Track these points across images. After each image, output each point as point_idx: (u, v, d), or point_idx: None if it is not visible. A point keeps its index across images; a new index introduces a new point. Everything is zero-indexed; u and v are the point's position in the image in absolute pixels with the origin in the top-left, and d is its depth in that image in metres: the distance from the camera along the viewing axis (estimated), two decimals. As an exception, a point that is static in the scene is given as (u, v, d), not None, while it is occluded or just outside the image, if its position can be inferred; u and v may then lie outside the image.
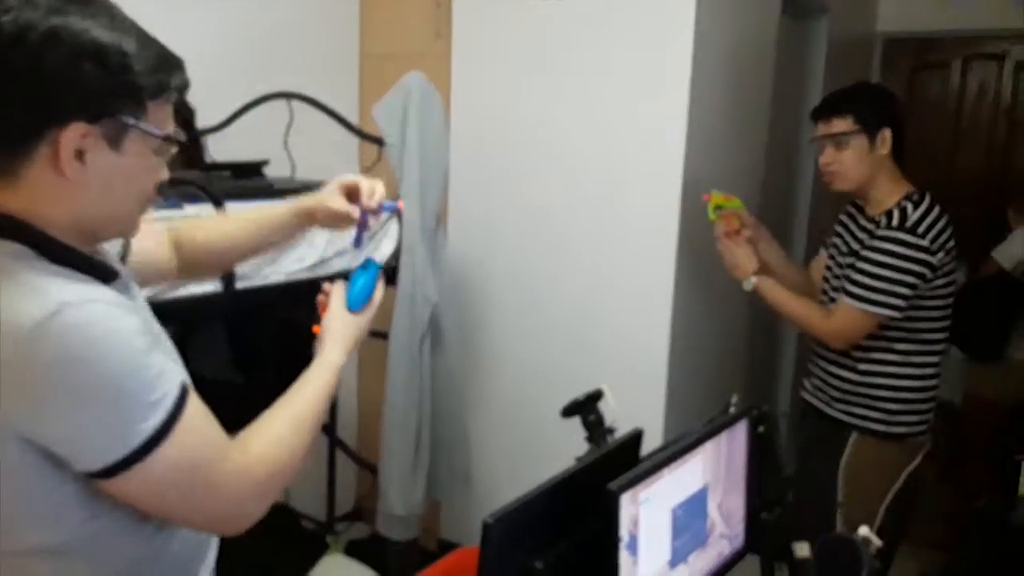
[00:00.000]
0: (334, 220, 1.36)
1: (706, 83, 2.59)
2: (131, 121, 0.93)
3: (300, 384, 1.14)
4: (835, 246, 2.25)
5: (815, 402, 2.24)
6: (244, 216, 1.44)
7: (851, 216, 2.22)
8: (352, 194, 1.34)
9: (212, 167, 2.31)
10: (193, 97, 2.48)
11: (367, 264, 1.27)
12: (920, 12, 4.24)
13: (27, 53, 0.86)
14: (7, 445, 0.88)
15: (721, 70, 2.70)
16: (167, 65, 0.97)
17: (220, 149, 2.47)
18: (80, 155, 0.91)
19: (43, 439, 0.89)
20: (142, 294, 1.20)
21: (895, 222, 1.99)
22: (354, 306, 1.21)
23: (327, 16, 2.96)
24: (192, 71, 2.65)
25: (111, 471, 0.90)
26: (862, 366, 2.12)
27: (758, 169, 3.17)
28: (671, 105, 2.52)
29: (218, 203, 1.89)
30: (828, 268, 2.26)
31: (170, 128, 1.00)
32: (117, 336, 0.89)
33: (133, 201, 1.00)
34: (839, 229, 2.26)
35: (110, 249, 1.14)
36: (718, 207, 2.28)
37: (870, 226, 2.10)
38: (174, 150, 1.02)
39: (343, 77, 3.03)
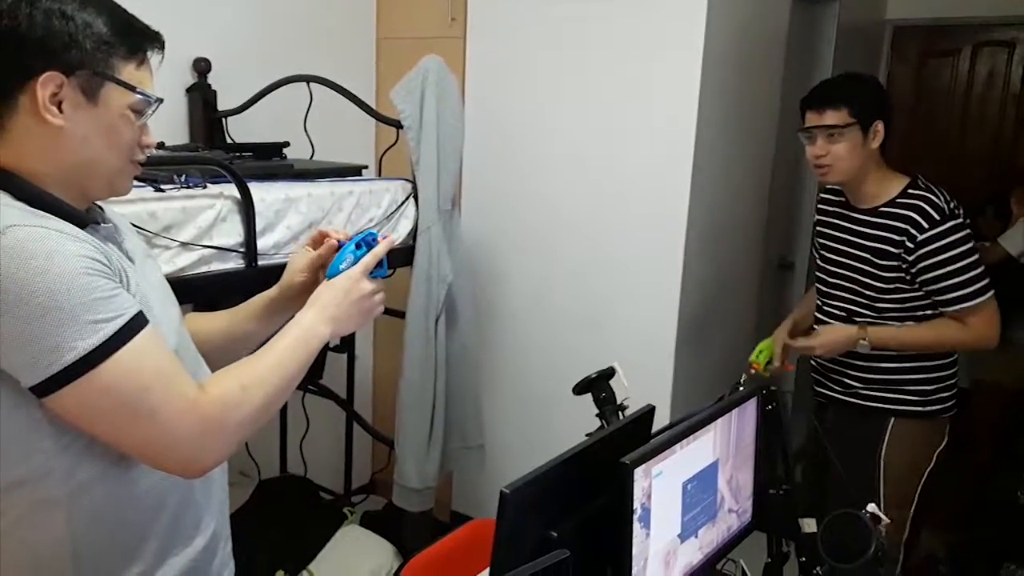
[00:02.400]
0: (306, 279, 1.36)
1: (718, 68, 2.62)
2: (103, 73, 1.02)
3: (273, 339, 1.17)
4: (825, 247, 2.23)
5: (840, 395, 2.22)
6: (227, 311, 1.44)
7: (837, 214, 2.20)
8: (318, 242, 1.36)
9: (234, 148, 2.34)
10: (214, 81, 2.56)
11: (362, 235, 1.29)
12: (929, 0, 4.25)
13: (1, 17, 0.98)
14: None
15: (732, 55, 2.73)
16: (140, 32, 1.08)
17: (241, 131, 2.52)
18: (59, 104, 1.01)
19: None
20: (152, 260, 1.25)
21: (937, 216, 1.98)
22: (329, 274, 1.25)
23: (344, 0, 2.99)
24: (213, 56, 2.70)
25: (49, 386, 0.94)
26: (895, 351, 2.12)
27: (768, 152, 3.20)
28: (683, 89, 2.56)
29: (241, 182, 1.92)
30: (822, 271, 2.25)
31: (148, 89, 1.08)
32: (56, 254, 0.94)
33: (115, 156, 1.07)
34: (825, 231, 2.25)
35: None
36: (768, 363, 2.28)
37: (871, 219, 2.08)
38: (152, 111, 1.09)
39: (360, 60, 3.07)
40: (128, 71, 1.05)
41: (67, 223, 1.01)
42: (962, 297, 1.99)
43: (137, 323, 1.00)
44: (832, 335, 2.14)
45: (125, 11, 1.07)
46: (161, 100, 1.10)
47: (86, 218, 1.07)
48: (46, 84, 0.99)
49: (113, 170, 1.09)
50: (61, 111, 1.01)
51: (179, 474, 1.08)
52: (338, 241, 1.32)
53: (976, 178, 4.26)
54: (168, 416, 1.01)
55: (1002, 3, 4.04)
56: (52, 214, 1.01)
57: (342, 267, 1.25)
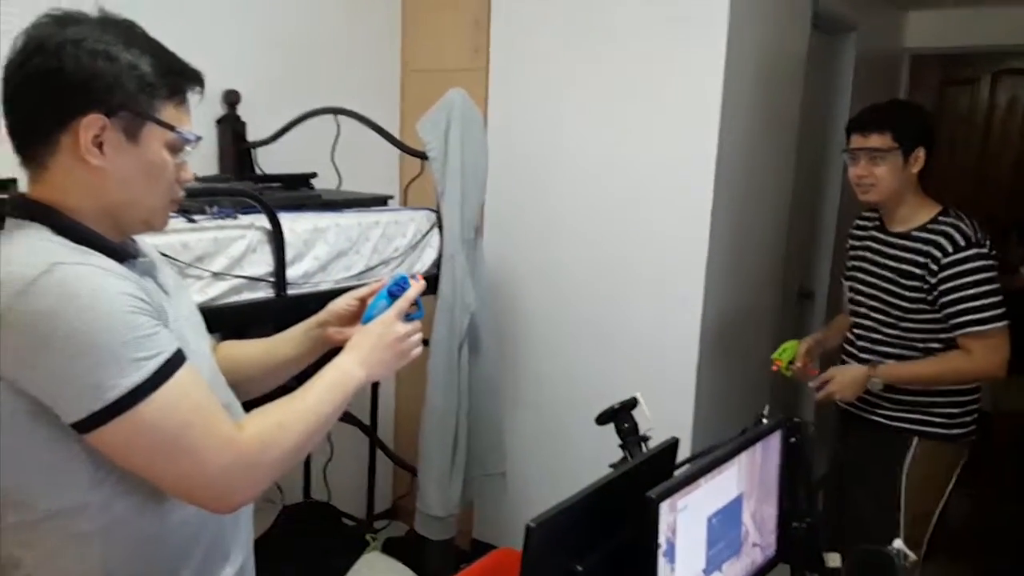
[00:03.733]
0: (342, 319, 1.38)
1: (738, 97, 2.64)
2: (145, 114, 1.04)
3: (310, 381, 1.17)
4: (858, 268, 2.30)
5: (864, 413, 2.27)
6: (262, 340, 1.46)
7: (871, 236, 2.28)
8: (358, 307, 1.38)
9: (263, 179, 2.38)
10: (244, 112, 2.61)
11: (394, 279, 1.32)
12: (947, 29, 4.25)
13: (47, 56, 0.99)
14: (1, 394, 0.95)
15: (752, 84, 2.75)
16: (181, 72, 1.09)
17: (269, 162, 2.56)
18: (99, 145, 1.01)
19: (29, 387, 0.95)
20: (184, 291, 1.28)
21: (962, 243, 2.05)
22: (364, 319, 1.29)
23: (370, 33, 3.04)
24: (243, 88, 2.74)
25: (90, 423, 0.95)
26: (907, 386, 2.17)
27: (787, 181, 3.21)
28: (703, 118, 2.57)
29: (271, 213, 1.95)
30: (854, 291, 2.31)
31: (187, 128, 1.10)
32: (100, 292, 0.95)
33: (153, 194, 1.08)
34: (859, 252, 2.32)
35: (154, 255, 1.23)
36: (790, 363, 2.35)
37: (901, 242, 2.16)
38: (190, 148, 1.10)
39: (385, 92, 3.11)
40: (168, 111, 1.06)
41: (108, 259, 1.02)
42: (974, 321, 2.04)
43: (177, 360, 1.01)
44: (844, 376, 2.21)
45: (167, 50, 1.08)
46: (200, 138, 1.11)
47: (124, 253, 1.08)
48: (89, 127, 1.00)
49: (152, 208, 1.10)
50: (102, 152, 1.01)
51: (211, 509, 1.09)
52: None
53: (998, 204, 4.25)
54: (206, 453, 1.02)
55: (1020, 31, 4.05)
56: (92, 249, 1.02)
57: (375, 313, 1.28)
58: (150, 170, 1.06)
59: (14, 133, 1.04)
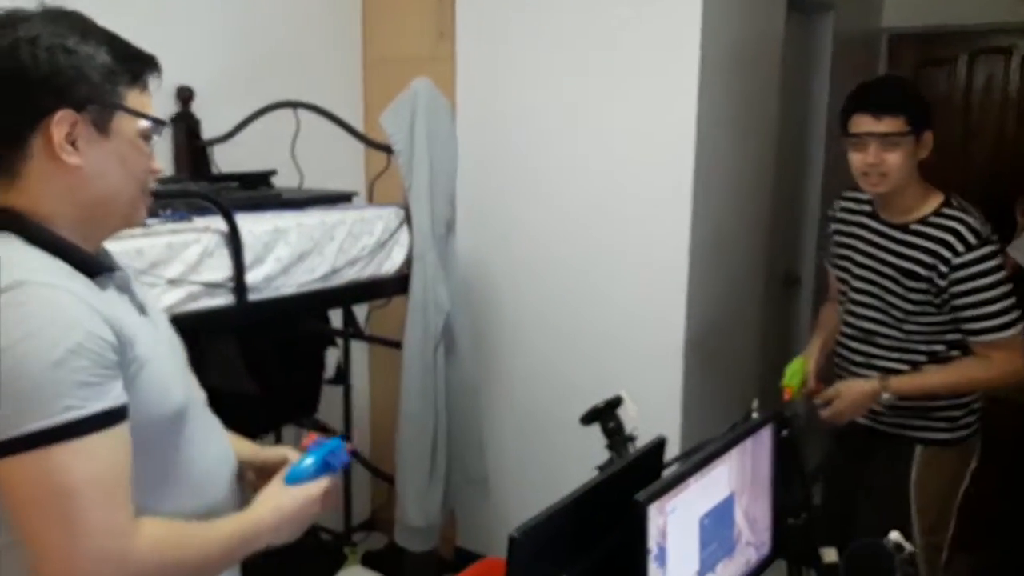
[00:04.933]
0: (268, 473, 1.27)
1: (715, 81, 2.57)
2: (113, 104, 1.01)
3: (226, 520, 1.10)
4: (847, 258, 2.12)
5: (861, 422, 2.09)
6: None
7: (862, 224, 2.09)
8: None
9: (220, 178, 2.30)
10: (198, 109, 2.50)
11: (327, 443, 1.24)
12: (925, 7, 4.22)
13: (3, 58, 0.96)
14: None
15: (729, 67, 2.69)
16: (138, 57, 1.06)
17: (226, 160, 2.47)
18: (72, 142, 0.98)
19: None
20: (157, 300, 1.21)
21: (973, 240, 1.88)
22: (290, 479, 1.19)
23: (329, 22, 2.95)
24: (197, 83, 2.63)
25: None
26: (920, 398, 2.02)
27: (768, 164, 3.15)
28: (680, 104, 2.51)
29: (228, 214, 1.87)
30: (843, 282, 2.14)
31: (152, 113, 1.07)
32: (52, 324, 0.90)
33: (129, 186, 1.06)
34: (847, 240, 2.13)
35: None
36: (802, 386, 2.15)
37: (902, 236, 1.98)
38: (158, 136, 1.09)
39: (347, 83, 3.02)
40: (133, 98, 1.04)
41: (82, 282, 0.98)
42: (992, 328, 1.89)
43: (105, 420, 0.93)
44: (852, 393, 2.01)
45: (119, 36, 1.06)
46: (167, 123, 1.12)
47: (101, 265, 1.04)
48: (61, 124, 0.97)
49: (130, 200, 1.07)
50: (76, 149, 0.98)
51: None
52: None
53: (979, 185, 4.21)
54: (87, 532, 0.91)
55: (998, 10, 4.02)
56: (67, 261, 0.98)
57: (304, 477, 1.19)
58: (125, 160, 1.04)
59: None
